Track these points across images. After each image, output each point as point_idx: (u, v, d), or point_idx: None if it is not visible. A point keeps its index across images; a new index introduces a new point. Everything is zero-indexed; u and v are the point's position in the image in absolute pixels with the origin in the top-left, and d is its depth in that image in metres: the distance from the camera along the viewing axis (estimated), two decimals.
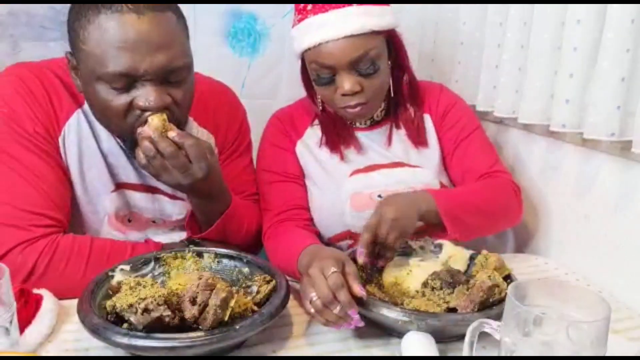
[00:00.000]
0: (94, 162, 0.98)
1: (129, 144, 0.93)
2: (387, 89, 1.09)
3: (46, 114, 0.94)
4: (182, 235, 1.08)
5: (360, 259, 0.90)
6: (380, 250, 0.93)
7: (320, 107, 1.13)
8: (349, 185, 1.11)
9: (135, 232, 1.05)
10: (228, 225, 1.01)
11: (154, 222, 1.06)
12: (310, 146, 1.15)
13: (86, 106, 0.96)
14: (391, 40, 1.06)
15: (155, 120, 0.86)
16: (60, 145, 0.96)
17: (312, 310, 0.77)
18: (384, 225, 0.90)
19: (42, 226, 0.89)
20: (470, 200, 1.04)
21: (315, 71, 1.03)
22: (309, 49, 1.01)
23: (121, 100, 0.87)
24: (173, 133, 0.87)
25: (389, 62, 1.07)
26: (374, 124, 1.15)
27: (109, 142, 0.98)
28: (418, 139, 1.13)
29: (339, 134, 1.13)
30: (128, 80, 0.85)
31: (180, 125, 0.93)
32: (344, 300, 0.75)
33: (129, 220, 1.04)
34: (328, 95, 1.05)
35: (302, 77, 1.13)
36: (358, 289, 0.77)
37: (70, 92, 0.95)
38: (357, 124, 1.15)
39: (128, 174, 1.01)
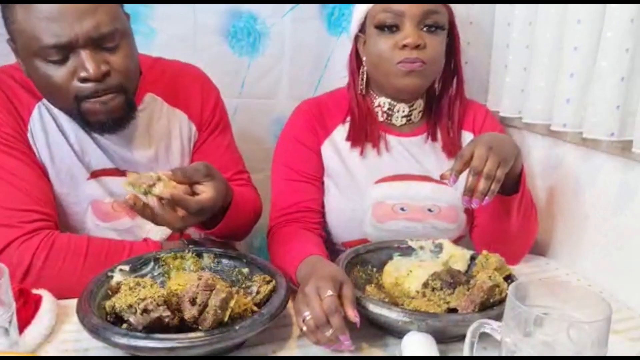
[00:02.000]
0: (64, 153, 0.98)
1: (78, 117, 0.93)
2: (441, 65, 1.08)
3: (10, 114, 0.95)
4: None
5: (450, 184, 0.89)
6: (476, 185, 0.88)
7: (362, 91, 1.11)
8: (373, 193, 1.08)
9: (123, 220, 1.04)
10: (233, 220, 0.98)
11: None
12: (338, 146, 1.12)
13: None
14: (451, 33, 1.08)
15: (158, 191, 0.82)
16: (30, 142, 0.96)
17: (304, 329, 0.76)
18: (480, 151, 0.88)
19: (32, 221, 0.90)
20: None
21: (382, 20, 1.03)
22: (379, 2, 1.03)
23: (60, 73, 0.87)
24: (185, 179, 0.84)
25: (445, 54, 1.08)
26: (409, 130, 1.13)
27: (74, 130, 0.99)
28: (454, 153, 1.11)
29: (366, 129, 1.11)
30: (62, 51, 0.86)
31: (128, 94, 0.93)
32: (336, 325, 0.74)
33: (113, 209, 1.03)
34: (386, 52, 1.03)
35: (350, 59, 1.13)
36: (352, 315, 0.75)
37: (26, 88, 0.96)
38: (394, 120, 1.12)
39: (99, 160, 1.01)
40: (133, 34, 0.96)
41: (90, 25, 0.85)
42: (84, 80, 0.87)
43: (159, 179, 0.81)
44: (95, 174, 1.01)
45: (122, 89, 0.91)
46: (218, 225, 0.97)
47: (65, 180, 0.99)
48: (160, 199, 0.81)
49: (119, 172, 1.02)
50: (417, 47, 1.01)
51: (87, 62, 0.86)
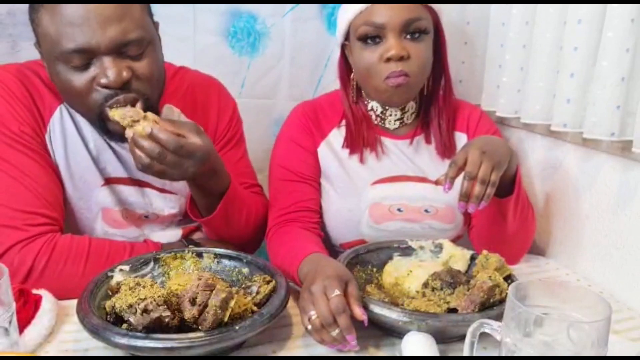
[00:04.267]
0: (80, 157, 0.98)
1: (98, 125, 0.92)
2: (429, 70, 1.07)
3: (30, 113, 0.94)
4: (179, 232, 1.08)
5: (446, 192, 0.89)
6: (471, 190, 0.88)
7: (354, 99, 1.11)
8: (370, 194, 1.09)
9: (131, 228, 1.05)
10: (230, 207, 0.99)
11: (146, 217, 1.06)
12: (335, 148, 1.12)
13: None
14: (437, 33, 1.07)
15: (140, 127, 0.83)
16: (47, 143, 0.96)
17: (309, 327, 0.76)
18: (473, 156, 0.87)
19: (38, 225, 0.90)
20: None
21: (364, 33, 1.02)
22: (361, 12, 1.02)
23: (82, 79, 0.86)
24: (170, 127, 0.84)
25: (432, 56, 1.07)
26: (403, 132, 1.13)
27: (93, 136, 0.98)
28: (447, 154, 1.11)
29: (363, 135, 1.11)
30: (84, 57, 0.85)
31: (149, 101, 0.91)
32: (344, 325, 0.74)
33: (123, 217, 1.04)
34: (372, 66, 1.02)
35: (339, 67, 1.13)
36: (360, 313, 0.76)
37: (50, 88, 0.96)
38: (386, 124, 1.12)
39: (115, 168, 1.01)
40: (160, 42, 0.95)
41: (115, 32, 0.84)
42: (104, 86, 0.86)
43: (145, 117, 0.83)
44: (109, 181, 1.01)
45: (143, 97, 0.90)
46: (216, 210, 0.96)
47: (79, 185, 0.99)
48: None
49: (132, 182, 1.03)
50: (401, 58, 1.00)
51: (109, 69, 0.85)
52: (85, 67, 0.86)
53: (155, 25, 0.95)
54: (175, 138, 0.83)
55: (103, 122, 0.90)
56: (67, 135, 0.97)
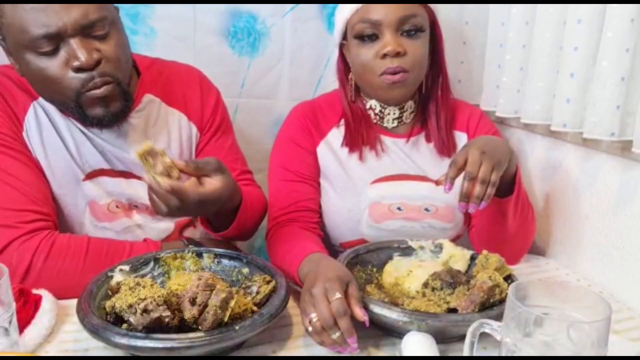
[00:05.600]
0: (59, 153, 0.98)
1: (77, 112, 0.92)
2: (425, 67, 1.07)
3: (6, 113, 0.95)
4: (171, 224, 1.08)
5: (446, 193, 0.89)
6: (472, 190, 0.87)
7: (352, 98, 1.11)
8: (369, 193, 1.09)
9: (121, 220, 1.04)
10: (243, 218, 0.99)
11: (136, 206, 1.05)
12: (334, 147, 1.12)
13: (41, 98, 0.96)
14: (433, 31, 1.07)
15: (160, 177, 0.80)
16: (26, 142, 0.96)
17: (310, 329, 0.76)
18: (473, 156, 0.87)
19: (30, 221, 0.90)
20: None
21: (360, 31, 1.02)
22: (357, 10, 1.02)
23: (54, 64, 0.87)
24: (194, 170, 0.83)
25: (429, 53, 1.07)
26: (402, 131, 1.13)
27: (70, 130, 0.98)
28: (447, 153, 1.11)
29: (363, 133, 1.11)
30: (52, 41, 0.86)
31: (122, 84, 0.92)
32: (345, 328, 0.73)
33: (110, 209, 1.03)
34: (368, 62, 1.03)
35: (337, 67, 1.13)
36: (360, 314, 0.76)
37: (22, 88, 0.97)
38: (385, 123, 1.12)
39: (96, 161, 1.01)
40: (123, 25, 0.96)
41: (78, 13, 0.85)
42: (77, 70, 0.87)
43: (169, 166, 0.81)
44: (91, 175, 1.01)
45: (115, 79, 0.91)
46: (230, 226, 0.97)
47: (62, 181, 0.99)
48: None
49: (115, 173, 1.02)
50: (397, 54, 1.00)
51: (78, 50, 0.86)
52: (54, 51, 0.87)
53: (116, 9, 0.96)
54: (194, 194, 0.80)
55: (82, 109, 0.91)
56: (43, 131, 0.97)
